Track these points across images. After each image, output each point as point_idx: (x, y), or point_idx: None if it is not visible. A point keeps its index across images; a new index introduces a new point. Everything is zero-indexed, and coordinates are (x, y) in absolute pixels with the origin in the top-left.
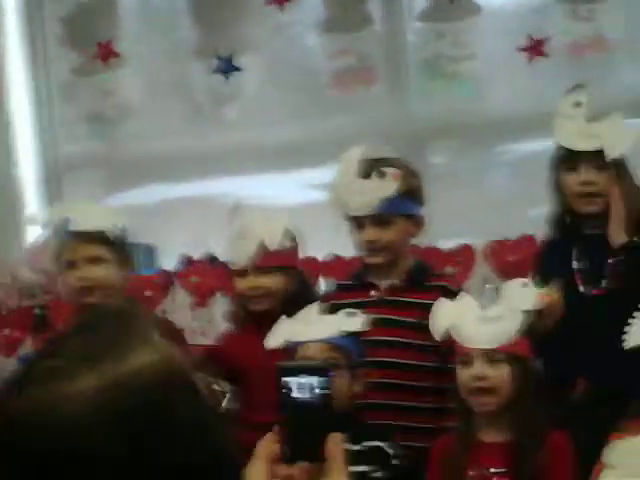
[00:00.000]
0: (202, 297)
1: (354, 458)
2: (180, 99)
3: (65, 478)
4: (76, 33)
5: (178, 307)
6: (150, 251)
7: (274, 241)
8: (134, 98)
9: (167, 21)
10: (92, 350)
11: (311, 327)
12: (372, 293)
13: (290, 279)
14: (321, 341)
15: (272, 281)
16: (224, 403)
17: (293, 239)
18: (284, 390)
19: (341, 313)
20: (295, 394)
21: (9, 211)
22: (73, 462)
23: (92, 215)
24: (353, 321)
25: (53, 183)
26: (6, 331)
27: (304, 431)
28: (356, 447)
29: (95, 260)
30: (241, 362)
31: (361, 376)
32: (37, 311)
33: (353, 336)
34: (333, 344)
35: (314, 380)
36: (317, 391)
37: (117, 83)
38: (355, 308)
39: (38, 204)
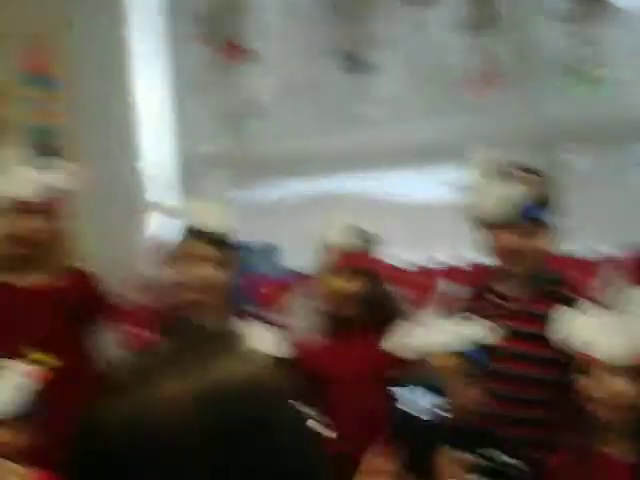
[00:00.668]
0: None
1: (474, 468)
2: (312, 98)
3: None
4: (209, 30)
5: (297, 307)
6: (273, 252)
7: (353, 245)
8: (265, 96)
9: (300, 19)
10: (181, 360)
11: (435, 334)
12: (500, 302)
13: (367, 282)
14: (446, 350)
15: (353, 284)
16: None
17: (368, 241)
18: (396, 403)
19: (466, 321)
20: (407, 408)
21: (136, 208)
22: (165, 470)
23: (209, 215)
24: (479, 330)
25: (182, 180)
26: (134, 327)
27: (415, 446)
28: (480, 458)
29: (213, 262)
30: (325, 371)
31: (485, 386)
32: (163, 308)
33: (479, 346)
34: (458, 353)
35: (429, 395)
36: (430, 407)
37: (249, 81)
38: (481, 316)
39: (166, 201)
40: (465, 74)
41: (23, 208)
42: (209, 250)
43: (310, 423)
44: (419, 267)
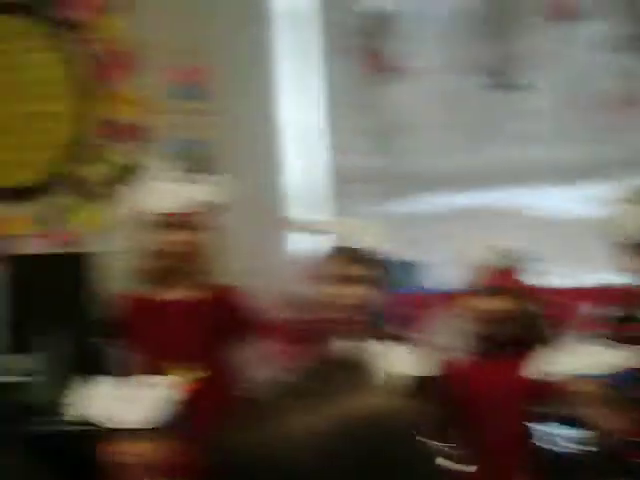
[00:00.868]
0: None
1: None
2: (460, 114)
3: None
4: (362, 46)
5: (441, 325)
6: (415, 269)
7: (504, 264)
8: (414, 112)
9: (449, 35)
10: (318, 391)
11: (579, 359)
12: None
13: (515, 303)
14: (590, 376)
15: (501, 303)
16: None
17: (516, 260)
18: (536, 439)
19: (611, 345)
20: (548, 444)
21: (282, 223)
22: None
23: (361, 233)
24: (624, 354)
25: (330, 195)
26: (278, 343)
27: None
28: None
29: (356, 279)
30: (470, 387)
31: (628, 412)
32: (310, 324)
33: (624, 371)
34: (601, 379)
35: (570, 430)
36: (572, 442)
37: (397, 97)
38: (627, 340)
39: (315, 216)
40: (613, 93)
41: (169, 222)
42: (357, 269)
43: (441, 461)
44: (566, 287)
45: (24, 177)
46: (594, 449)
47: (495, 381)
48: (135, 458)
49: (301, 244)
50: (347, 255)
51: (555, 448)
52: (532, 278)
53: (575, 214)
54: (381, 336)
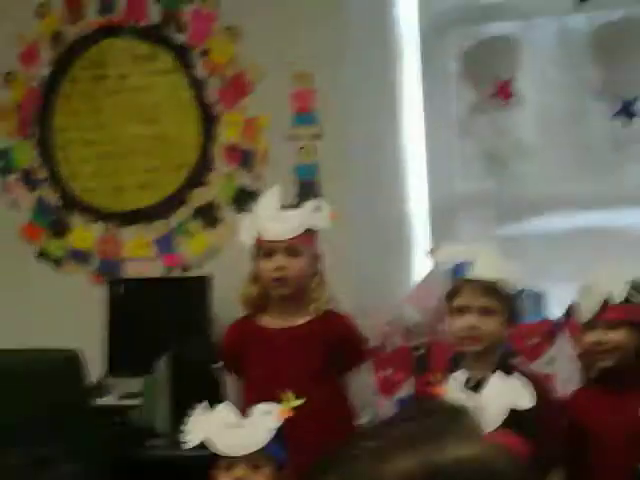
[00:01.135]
0: None
1: None
2: (575, 141)
3: None
4: (476, 69)
5: (562, 357)
6: (538, 298)
7: (620, 294)
8: (529, 138)
9: (568, 59)
10: (414, 435)
11: None
12: None
13: (637, 334)
14: None
15: (619, 336)
16: None
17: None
18: None
19: None
20: None
21: (400, 247)
22: None
23: (491, 264)
24: None
25: (445, 220)
26: (387, 371)
27: None
28: None
29: (487, 311)
30: (586, 423)
31: None
32: (419, 352)
33: None
34: None
35: None
36: None
37: (513, 122)
38: None
39: (429, 241)
40: None
41: (273, 248)
42: (482, 300)
43: None
44: None
45: (145, 200)
46: None
47: (611, 415)
48: None
49: (427, 271)
50: (479, 286)
51: None
52: None
53: None
54: (505, 369)
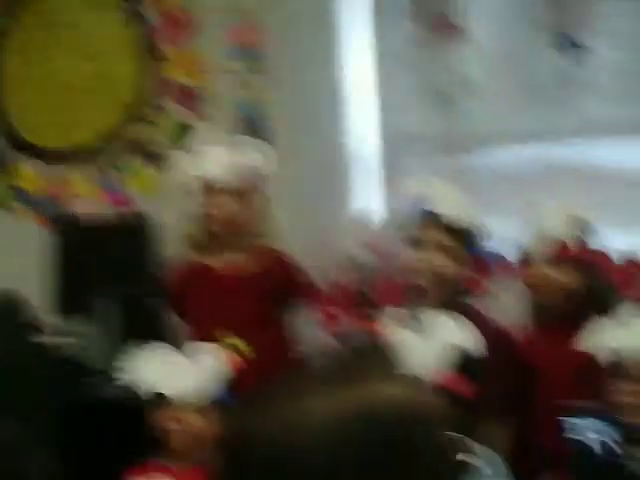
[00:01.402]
0: None
1: None
2: (522, 76)
3: None
4: (423, 5)
5: (507, 293)
6: (483, 233)
7: (571, 234)
8: (476, 73)
9: None
10: (340, 376)
11: (635, 335)
12: None
13: (585, 274)
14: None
15: (564, 274)
16: (468, 457)
17: (586, 230)
18: (570, 432)
19: None
20: (580, 438)
21: (344, 182)
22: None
23: (453, 201)
24: None
25: (390, 155)
26: (332, 308)
27: (585, 477)
28: None
29: (443, 247)
30: (530, 360)
31: None
32: (363, 288)
33: None
34: None
35: (602, 426)
36: (604, 438)
37: (460, 58)
38: None
39: (377, 177)
40: None
41: (216, 187)
42: (442, 236)
43: (462, 456)
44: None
45: (83, 138)
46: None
47: (550, 353)
48: (181, 426)
49: (363, 207)
50: (436, 223)
51: (588, 445)
52: (598, 245)
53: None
54: (456, 308)
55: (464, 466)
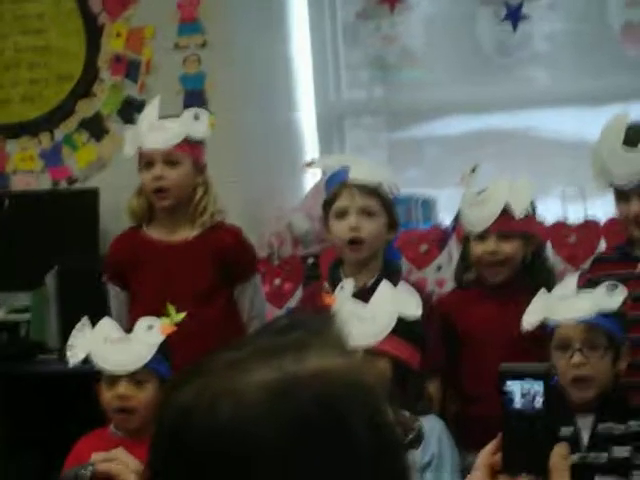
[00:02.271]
0: None
1: (618, 439)
2: (464, 47)
3: (221, 470)
4: None
5: (452, 264)
6: (428, 204)
7: (521, 208)
8: (417, 44)
9: None
10: (275, 347)
11: (568, 304)
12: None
13: (529, 247)
14: (579, 321)
15: (512, 247)
16: (410, 436)
17: (533, 204)
18: (505, 396)
19: (601, 288)
20: (516, 401)
21: (288, 156)
22: (230, 458)
23: (370, 168)
24: (614, 297)
25: (333, 127)
26: (277, 281)
27: (525, 442)
28: (620, 427)
29: (367, 213)
30: (461, 324)
31: (624, 354)
32: (309, 260)
33: (615, 314)
34: (592, 324)
35: (536, 386)
36: (539, 399)
37: (401, 28)
38: (620, 279)
39: (316, 150)
40: (623, 27)
41: (152, 159)
42: (361, 200)
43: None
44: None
45: (30, 113)
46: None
47: (492, 324)
48: (120, 402)
49: (316, 180)
50: (358, 188)
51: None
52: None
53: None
54: (390, 275)
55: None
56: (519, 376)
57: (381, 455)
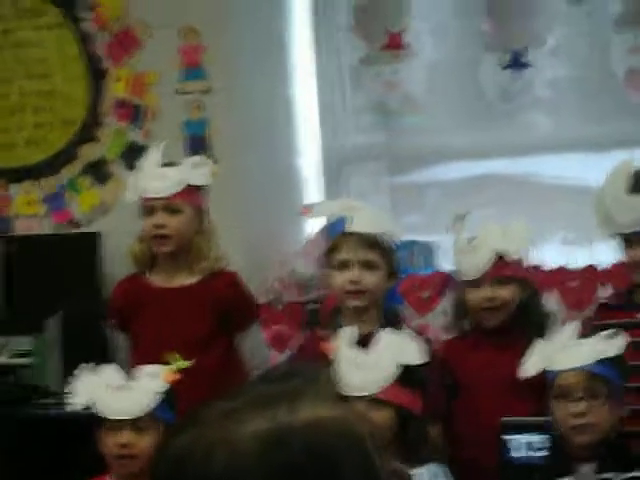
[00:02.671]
0: None
1: None
2: (467, 93)
3: None
4: (366, 22)
5: (447, 309)
6: (429, 249)
7: (515, 251)
8: (420, 90)
9: (459, 11)
10: (269, 397)
11: (568, 353)
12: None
13: (524, 291)
14: (579, 369)
15: (508, 292)
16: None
17: (530, 249)
18: (505, 447)
19: (601, 335)
20: (514, 453)
21: (289, 201)
22: None
23: (372, 217)
24: (614, 344)
25: (335, 173)
26: (279, 326)
27: None
28: (623, 477)
29: (368, 266)
30: (458, 370)
31: (623, 404)
32: (310, 306)
33: (614, 361)
34: (593, 372)
35: (536, 438)
36: (538, 451)
37: (404, 74)
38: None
39: (319, 195)
40: (627, 73)
41: (154, 206)
42: (362, 253)
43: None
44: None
45: (34, 157)
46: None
47: (488, 371)
48: (122, 449)
49: (313, 226)
50: (352, 239)
51: (521, 457)
52: (540, 260)
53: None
54: (392, 322)
55: None
56: (520, 429)
57: None
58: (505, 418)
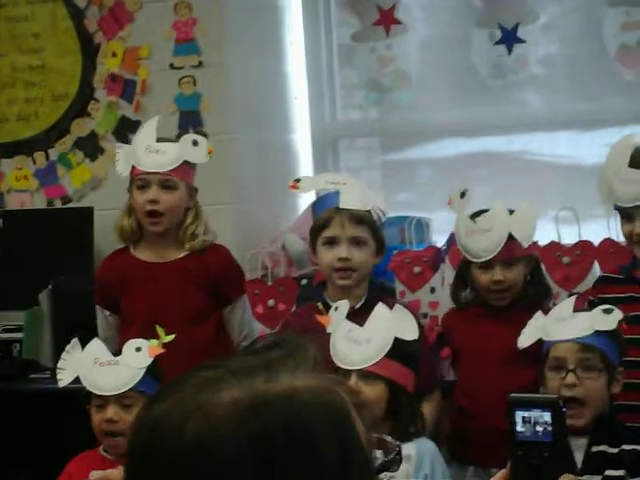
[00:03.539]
0: None
1: (611, 462)
2: (459, 69)
3: None
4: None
5: (445, 285)
6: (422, 225)
7: (527, 236)
8: (412, 66)
9: None
10: (248, 367)
11: (564, 325)
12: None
13: (528, 267)
14: (574, 341)
15: (516, 273)
16: (389, 456)
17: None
18: (514, 425)
19: (597, 309)
20: (522, 429)
21: (282, 177)
22: (198, 474)
23: (361, 193)
24: (610, 319)
25: (328, 149)
26: (271, 302)
27: (533, 471)
28: (613, 450)
29: (357, 242)
30: (458, 341)
31: (618, 377)
32: (303, 282)
33: (611, 335)
34: (587, 344)
35: (545, 416)
36: (547, 428)
37: (396, 50)
38: (618, 303)
39: (311, 171)
40: (618, 49)
41: (146, 181)
42: (351, 230)
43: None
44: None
45: (26, 131)
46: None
47: (488, 340)
48: (109, 425)
49: (305, 202)
50: (342, 215)
51: (530, 433)
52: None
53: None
54: (382, 298)
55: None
56: (528, 405)
57: (348, 475)
58: (513, 394)
